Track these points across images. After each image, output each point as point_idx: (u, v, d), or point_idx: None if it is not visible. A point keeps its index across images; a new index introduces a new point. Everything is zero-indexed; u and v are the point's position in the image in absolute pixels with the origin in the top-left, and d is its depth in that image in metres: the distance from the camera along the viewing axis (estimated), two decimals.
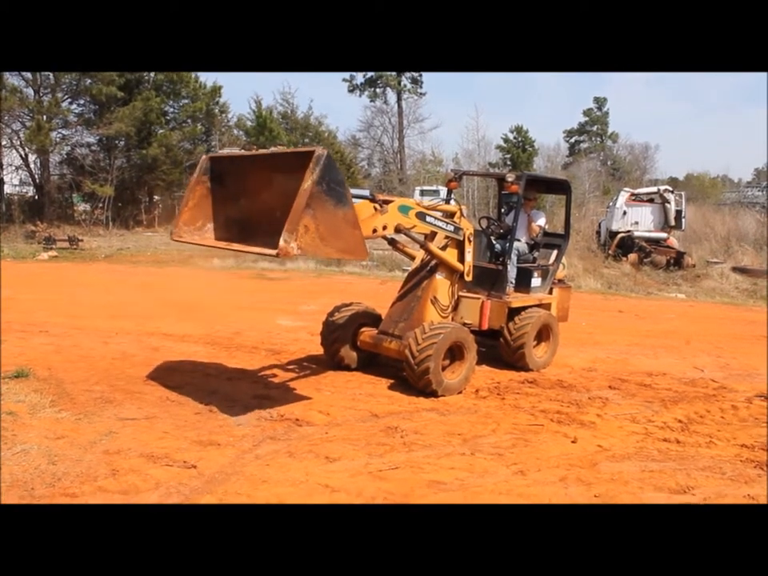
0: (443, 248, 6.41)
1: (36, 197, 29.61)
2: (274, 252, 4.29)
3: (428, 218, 5.97)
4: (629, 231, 18.88)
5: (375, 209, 5.37)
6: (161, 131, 30.29)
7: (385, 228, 5.46)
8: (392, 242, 6.65)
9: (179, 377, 6.28)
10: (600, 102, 53.44)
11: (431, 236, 6.35)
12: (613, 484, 4.16)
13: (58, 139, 28.38)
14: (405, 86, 45.19)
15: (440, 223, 6.16)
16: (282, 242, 4.25)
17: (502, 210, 8.71)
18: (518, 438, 4.96)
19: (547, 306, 7.41)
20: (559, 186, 8.65)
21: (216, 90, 33.48)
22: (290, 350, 7.57)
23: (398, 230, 5.61)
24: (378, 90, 45.59)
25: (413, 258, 6.94)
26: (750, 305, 14.02)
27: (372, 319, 6.85)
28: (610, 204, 21.02)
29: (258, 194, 5.28)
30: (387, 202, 5.54)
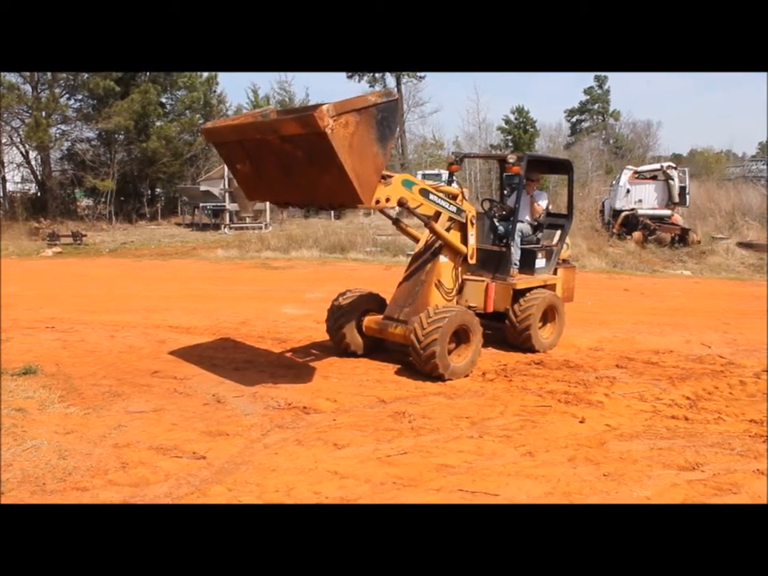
0: (446, 230, 6.38)
1: (38, 193, 29.70)
2: (311, 113, 4.28)
3: (431, 196, 5.92)
4: (633, 209, 18.77)
5: (379, 181, 5.33)
6: (159, 123, 30.22)
7: (388, 200, 5.37)
8: (396, 222, 6.65)
9: (186, 368, 6.29)
10: (601, 80, 52.94)
11: (435, 217, 6.32)
12: (622, 463, 4.16)
13: (57, 135, 28.42)
14: None
15: (443, 203, 6.11)
16: (324, 108, 4.26)
17: (505, 192, 8.68)
18: (525, 420, 4.96)
19: (552, 287, 7.38)
20: (561, 166, 8.59)
21: (212, 79, 33.35)
22: (296, 339, 7.57)
23: (400, 204, 5.54)
24: (377, 74, 45.26)
25: (417, 240, 6.91)
26: (756, 280, 13.94)
27: (377, 304, 6.85)
28: (614, 182, 20.89)
29: None
30: (390, 177, 5.51)
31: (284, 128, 4.74)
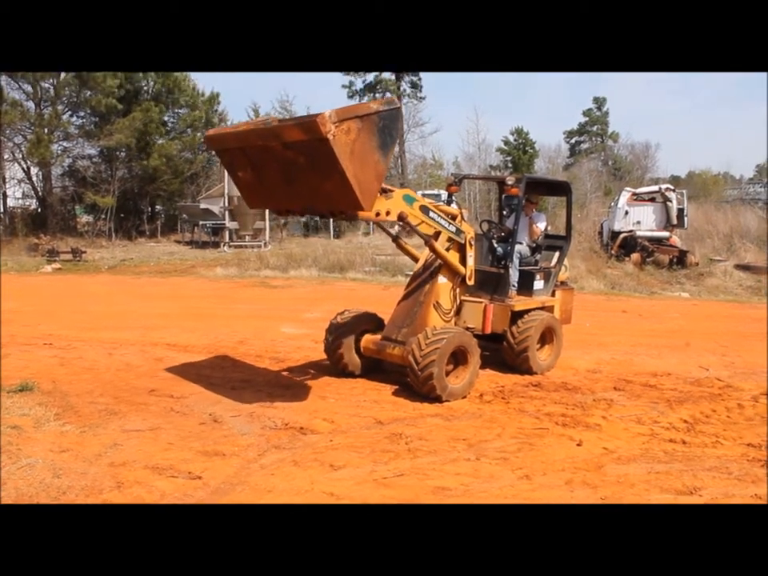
0: (446, 250, 6.40)
1: (39, 209, 29.77)
2: (313, 119, 4.33)
3: (431, 213, 5.94)
4: (631, 231, 18.84)
5: (380, 189, 5.34)
6: (160, 141, 30.38)
7: (388, 213, 5.40)
8: (396, 239, 6.68)
9: (183, 387, 6.28)
10: (599, 101, 53.45)
11: (435, 236, 6.34)
12: (619, 486, 4.14)
13: (59, 151, 28.58)
14: (404, 90, 45.11)
15: (443, 221, 6.13)
16: (327, 114, 4.30)
17: (504, 213, 8.70)
18: (523, 442, 4.94)
19: (550, 309, 7.39)
20: (560, 188, 8.65)
21: (214, 98, 33.60)
22: (294, 358, 7.56)
23: (401, 218, 5.56)
24: (377, 95, 45.56)
25: (416, 260, 6.93)
26: (754, 302, 13.96)
27: (375, 324, 6.85)
28: (612, 204, 20.99)
29: None
30: (391, 191, 5.53)
31: (286, 134, 4.77)
